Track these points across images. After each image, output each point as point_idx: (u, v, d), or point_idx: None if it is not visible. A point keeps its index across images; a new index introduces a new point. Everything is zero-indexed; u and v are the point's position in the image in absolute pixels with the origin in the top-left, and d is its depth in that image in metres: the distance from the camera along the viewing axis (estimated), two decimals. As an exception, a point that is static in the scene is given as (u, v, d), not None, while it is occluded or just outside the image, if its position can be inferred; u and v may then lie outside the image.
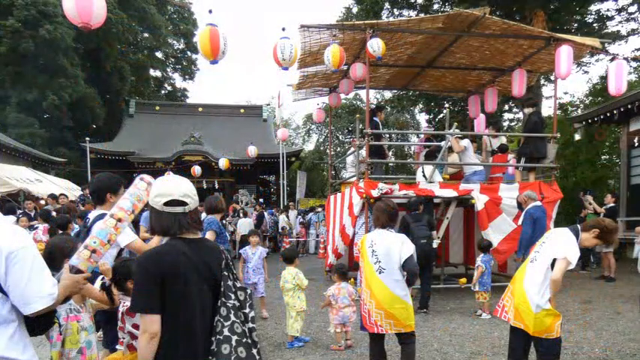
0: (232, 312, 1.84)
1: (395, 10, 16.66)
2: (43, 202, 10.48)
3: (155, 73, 35.40)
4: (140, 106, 26.77)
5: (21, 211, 8.46)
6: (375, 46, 6.81)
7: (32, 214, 8.33)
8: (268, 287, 7.16)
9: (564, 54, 7.35)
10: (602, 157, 16.51)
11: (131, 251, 3.25)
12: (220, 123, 25.63)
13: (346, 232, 7.97)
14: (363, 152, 7.86)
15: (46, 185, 13.17)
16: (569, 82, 50.09)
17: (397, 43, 8.13)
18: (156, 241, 2.86)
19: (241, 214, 13.66)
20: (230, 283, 1.88)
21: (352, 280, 6.72)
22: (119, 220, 2.25)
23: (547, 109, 23.66)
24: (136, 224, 6.21)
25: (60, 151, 22.60)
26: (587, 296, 7.47)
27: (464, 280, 7.47)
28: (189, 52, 35.78)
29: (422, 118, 26.01)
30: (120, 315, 2.77)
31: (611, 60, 7.72)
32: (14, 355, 1.63)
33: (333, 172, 13.55)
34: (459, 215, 9.16)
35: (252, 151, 18.13)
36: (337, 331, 4.85)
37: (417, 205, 6.64)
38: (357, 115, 9.66)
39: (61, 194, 9.73)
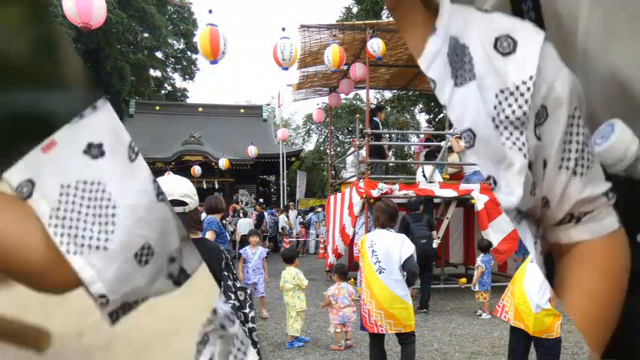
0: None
1: (395, 10, 16.65)
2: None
3: (155, 73, 35.37)
4: (140, 106, 26.76)
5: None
6: (375, 46, 6.82)
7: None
8: (268, 287, 7.15)
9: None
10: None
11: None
12: (220, 123, 25.62)
13: (346, 232, 7.96)
14: (363, 152, 7.87)
15: (46, 185, 13.16)
16: (569, 82, 50.04)
17: (397, 43, 8.13)
18: (156, 241, 2.85)
19: (241, 214, 13.65)
20: (230, 283, 1.88)
21: (352, 280, 6.73)
22: (119, 220, 2.24)
23: (547, 109, 23.69)
24: (136, 224, 6.20)
25: (60, 151, 22.60)
26: (587, 296, 7.46)
27: (464, 280, 7.47)
28: (189, 52, 35.73)
29: (422, 118, 26.02)
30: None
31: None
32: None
33: (333, 172, 13.54)
34: (459, 215, 9.15)
35: (252, 151, 18.14)
36: (337, 331, 4.85)
37: (417, 205, 6.64)
38: (357, 115, 9.65)
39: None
